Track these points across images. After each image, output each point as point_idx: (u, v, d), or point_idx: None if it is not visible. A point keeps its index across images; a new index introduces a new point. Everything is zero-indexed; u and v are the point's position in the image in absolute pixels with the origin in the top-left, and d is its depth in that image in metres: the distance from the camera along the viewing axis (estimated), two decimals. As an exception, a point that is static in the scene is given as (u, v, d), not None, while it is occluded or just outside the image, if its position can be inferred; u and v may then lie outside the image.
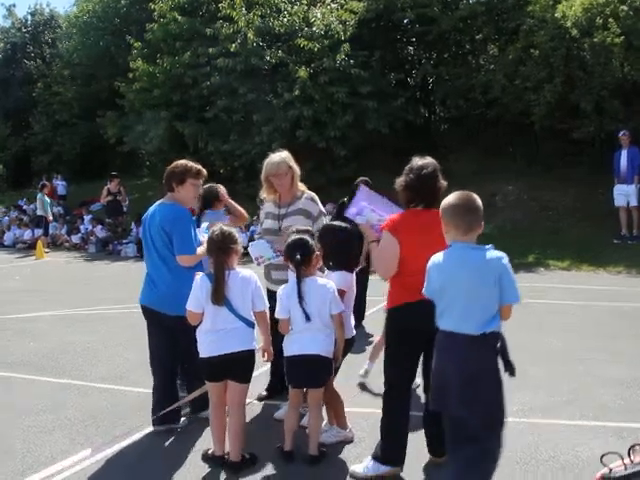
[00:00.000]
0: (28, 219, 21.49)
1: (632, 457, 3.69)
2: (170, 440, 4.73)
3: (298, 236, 4.44)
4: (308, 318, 4.21)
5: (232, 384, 4.25)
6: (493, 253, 3.33)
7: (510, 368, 3.30)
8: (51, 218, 19.41)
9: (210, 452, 4.38)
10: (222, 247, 4.17)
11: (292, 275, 4.40)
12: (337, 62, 16.71)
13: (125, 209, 18.78)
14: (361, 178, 7.78)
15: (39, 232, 19.47)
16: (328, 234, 4.66)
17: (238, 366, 4.21)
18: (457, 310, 3.28)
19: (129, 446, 4.64)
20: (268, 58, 17.32)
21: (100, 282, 12.70)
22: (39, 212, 19.23)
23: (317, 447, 4.31)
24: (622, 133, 13.42)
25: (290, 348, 4.33)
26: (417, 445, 4.26)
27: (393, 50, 19.11)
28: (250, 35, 17.23)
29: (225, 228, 4.26)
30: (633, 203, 13.28)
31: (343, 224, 4.74)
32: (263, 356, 4.39)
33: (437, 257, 3.42)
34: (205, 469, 4.27)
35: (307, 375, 4.32)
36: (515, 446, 4.36)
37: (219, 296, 4.10)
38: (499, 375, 3.29)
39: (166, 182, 4.95)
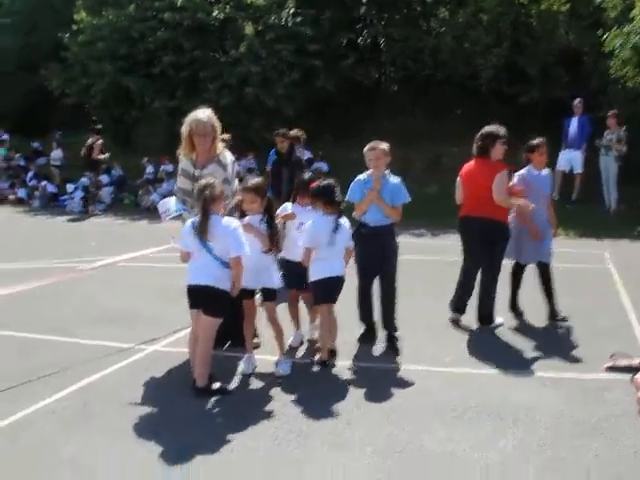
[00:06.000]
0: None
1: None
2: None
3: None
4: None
5: (201, 315, 4.72)
6: None
7: None
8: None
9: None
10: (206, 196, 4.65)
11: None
12: (283, 19, 16.55)
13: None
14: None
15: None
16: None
17: (205, 299, 4.70)
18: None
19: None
20: (215, 13, 17.03)
21: (43, 237, 12.50)
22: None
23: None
24: (578, 101, 13.58)
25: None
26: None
27: (344, 9, 18.96)
28: (197, -12, 16.91)
29: (203, 182, 4.76)
30: (577, 169, 13.57)
31: None
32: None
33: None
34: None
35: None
36: (448, 394, 4.67)
37: (203, 232, 4.61)
38: None
39: None
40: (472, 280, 6.42)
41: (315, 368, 5.26)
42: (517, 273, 6.68)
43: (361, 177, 5.75)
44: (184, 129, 5.28)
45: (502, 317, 6.43)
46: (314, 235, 5.20)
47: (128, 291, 7.83)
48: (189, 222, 4.77)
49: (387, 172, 5.69)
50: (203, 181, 4.77)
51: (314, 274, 5.24)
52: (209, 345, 4.73)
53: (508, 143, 6.21)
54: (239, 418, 4.33)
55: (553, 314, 6.49)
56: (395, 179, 5.69)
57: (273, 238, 5.01)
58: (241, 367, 5.16)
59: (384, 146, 5.63)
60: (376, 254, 5.60)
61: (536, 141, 6.52)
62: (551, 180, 6.84)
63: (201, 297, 4.72)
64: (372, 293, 5.78)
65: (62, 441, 3.99)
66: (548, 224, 6.57)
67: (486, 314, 6.30)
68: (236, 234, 4.65)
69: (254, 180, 5.16)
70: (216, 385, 4.72)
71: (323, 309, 5.30)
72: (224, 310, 4.75)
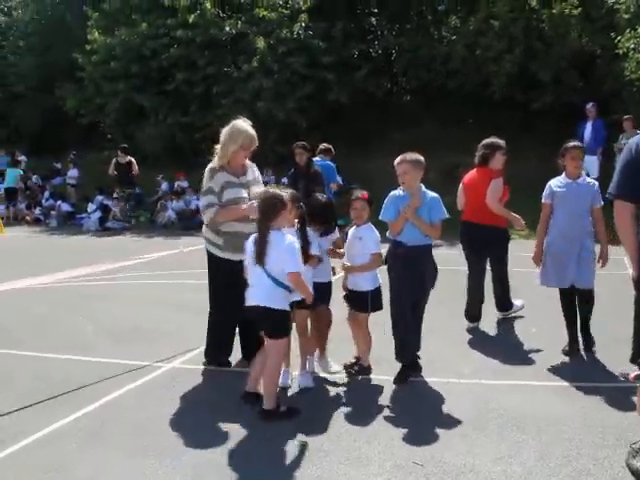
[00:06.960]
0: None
1: None
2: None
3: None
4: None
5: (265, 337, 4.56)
6: None
7: None
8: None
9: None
10: (266, 210, 4.41)
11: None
12: (294, 32, 16.62)
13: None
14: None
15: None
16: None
17: (263, 320, 4.51)
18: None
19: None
20: (228, 29, 17.14)
21: (58, 254, 12.56)
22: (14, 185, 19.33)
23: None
24: (591, 105, 13.53)
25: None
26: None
27: (355, 21, 19.03)
28: (208, 5, 17.04)
29: (271, 190, 4.54)
30: (594, 174, 13.37)
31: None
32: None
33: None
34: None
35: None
36: (468, 406, 4.60)
37: (259, 257, 4.38)
38: None
39: None
40: (479, 286, 6.59)
41: (353, 370, 5.30)
42: (564, 301, 5.79)
43: (396, 192, 5.11)
44: (233, 142, 5.13)
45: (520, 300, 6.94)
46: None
47: (144, 306, 7.82)
48: (252, 237, 4.52)
49: (422, 186, 5.09)
50: (270, 190, 4.54)
51: (374, 282, 5.16)
52: (276, 367, 4.55)
53: (508, 153, 6.66)
54: (257, 435, 4.28)
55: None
56: (432, 193, 5.10)
57: (302, 251, 4.75)
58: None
59: (412, 157, 5.00)
60: (414, 282, 5.02)
61: (570, 144, 5.69)
62: (595, 190, 5.62)
63: (256, 318, 4.52)
64: None
65: (78, 461, 3.96)
66: (590, 243, 5.64)
67: (504, 301, 6.77)
68: (290, 250, 4.36)
69: (286, 190, 5.10)
70: (283, 408, 4.55)
71: (364, 319, 5.23)
72: (283, 330, 4.55)
